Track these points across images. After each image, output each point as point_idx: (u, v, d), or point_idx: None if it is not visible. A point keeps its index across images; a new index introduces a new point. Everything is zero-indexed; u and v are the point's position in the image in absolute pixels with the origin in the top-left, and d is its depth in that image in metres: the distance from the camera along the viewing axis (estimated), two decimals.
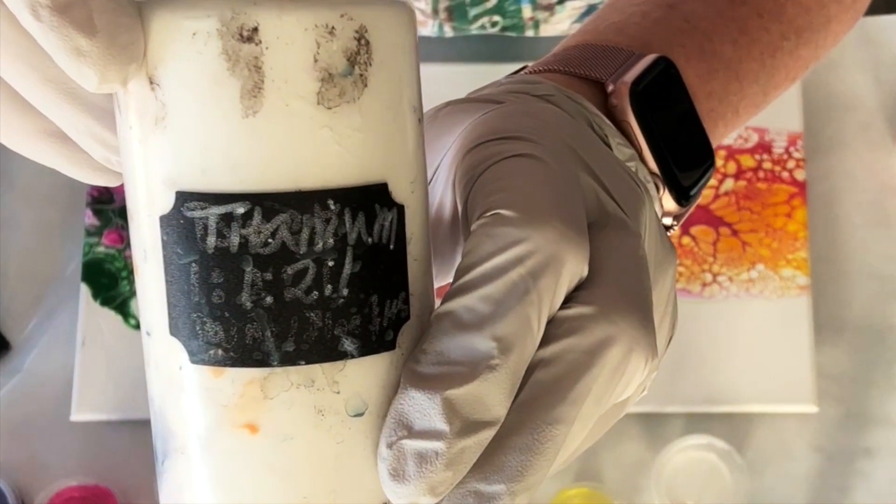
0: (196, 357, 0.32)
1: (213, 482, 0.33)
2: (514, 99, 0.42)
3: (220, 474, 0.33)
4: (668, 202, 0.45)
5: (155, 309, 0.33)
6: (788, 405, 0.82)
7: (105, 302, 0.85)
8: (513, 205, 0.34)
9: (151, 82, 0.32)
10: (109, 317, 0.85)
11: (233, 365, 0.32)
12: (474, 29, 0.82)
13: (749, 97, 0.52)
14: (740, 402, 0.82)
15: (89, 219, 0.86)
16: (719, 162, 0.86)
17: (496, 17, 0.81)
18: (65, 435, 0.84)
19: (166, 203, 0.32)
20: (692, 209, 0.48)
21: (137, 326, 0.85)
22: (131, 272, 0.86)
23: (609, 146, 0.43)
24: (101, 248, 0.86)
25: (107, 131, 0.35)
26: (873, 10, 0.91)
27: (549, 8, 0.80)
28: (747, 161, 0.86)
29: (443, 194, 0.39)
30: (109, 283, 0.85)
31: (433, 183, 0.39)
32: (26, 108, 0.36)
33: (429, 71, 0.90)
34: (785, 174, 0.86)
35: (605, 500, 0.80)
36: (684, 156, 0.46)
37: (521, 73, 0.49)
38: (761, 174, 0.86)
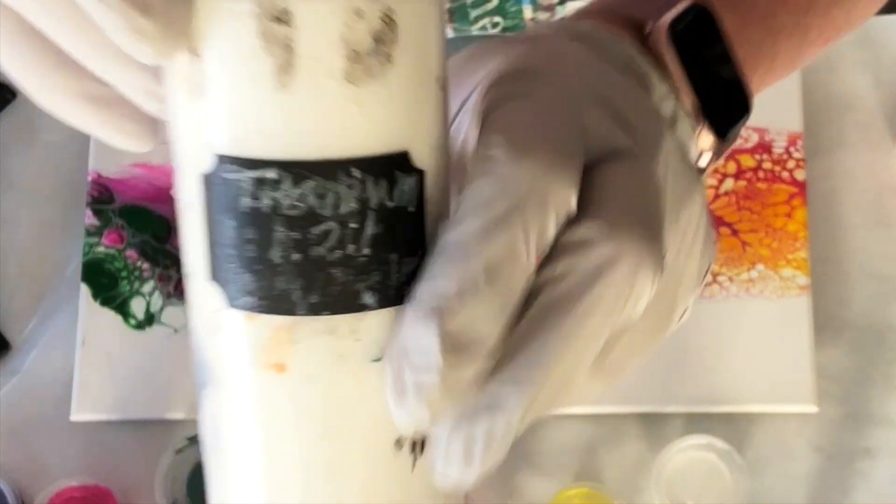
0: (232, 302, 0.35)
1: (243, 413, 0.36)
2: (546, 36, 0.44)
3: (249, 407, 0.36)
4: (706, 140, 0.47)
5: (197, 254, 0.36)
6: (788, 405, 0.82)
7: (105, 302, 0.85)
8: (502, 144, 0.36)
9: (194, 54, 0.34)
10: (109, 317, 0.85)
11: (264, 312, 0.35)
12: (475, 30, 0.82)
13: (783, 52, 0.53)
14: (740, 402, 0.82)
15: (89, 219, 0.87)
16: (719, 162, 0.86)
17: (497, 18, 0.81)
18: (65, 435, 0.84)
19: (207, 164, 0.34)
20: (730, 149, 0.49)
21: (137, 326, 0.85)
22: (131, 272, 0.86)
23: (649, 85, 0.44)
24: (101, 248, 0.86)
25: (160, 86, 0.37)
26: None
27: (550, 8, 0.80)
28: (747, 161, 0.86)
29: (467, 131, 0.41)
30: (109, 283, 0.86)
31: (459, 119, 0.42)
32: (70, 69, 0.38)
33: None
34: (785, 174, 0.86)
35: (605, 500, 0.80)
36: (721, 95, 0.47)
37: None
38: (761, 174, 0.86)
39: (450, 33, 0.83)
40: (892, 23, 0.90)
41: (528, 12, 0.81)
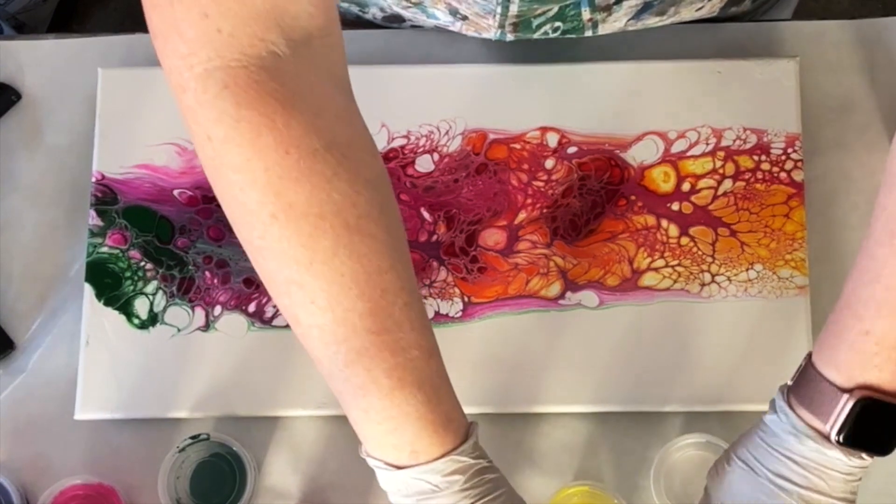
0: None
1: None
2: None
3: None
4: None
5: None
6: None
7: (108, 302, 0.86)
8: None
9: None
10: (113, 316, 0.85)
11: None
12: (537, 35, 0.83)
13: None
14: (739, 401, 0.83)
15: (93, 219, 0.87)
16: (718, 163, 0.87)
17: (557, 23, 0.82)
18: (69, 433, 0.85)
19: None
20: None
21: (140, 326, 0.85)
22: (134, 272, 0.86)
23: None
24: (104, 249, 0.87)
25: None
26: (871, 13, 0.91)
27: (608, 9, 0.81)
28: (746, 162, 0.87)
29: None
30: (113, 283, 0.86)
31: None
32: None
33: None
34: (783, 175, 0.86)
35: (604, 499, 0.81)
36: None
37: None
38: (760, 175, 0.86)
39: (510, 38, 0.84)
40: (889, 25, 0.90)
41: (586, 14, 0.81)
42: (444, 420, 0.66)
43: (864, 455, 0.67)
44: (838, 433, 0.65)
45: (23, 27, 1.59)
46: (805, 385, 0.68)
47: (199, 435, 0.82)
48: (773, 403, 0.70)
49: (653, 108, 0.88)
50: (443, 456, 0.66)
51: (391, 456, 0.66)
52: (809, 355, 0.69)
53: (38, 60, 0.92)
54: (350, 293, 0.63)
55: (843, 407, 0.65)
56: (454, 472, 0.66)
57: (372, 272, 0.63)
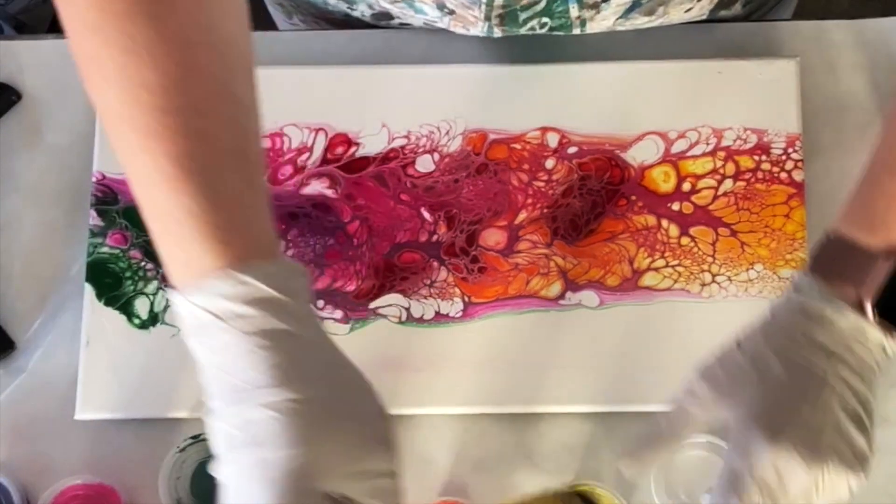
0: None
1: None
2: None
3: None
4: None
5: None
6: None
7: (109, 302, 0.86)
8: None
9: None
10: (113, 316, 0.85)
11: None
12: (524, 31, 0.83)
13: None
14: None
15: (94, 219, 0.87)
16: (718, 163, 0.87)
17: (545, 19, 0.82)
18: (69, 433, 0.85)
19: None
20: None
21: (141, 326, 0.85)
22: (135, 272, 0.86)
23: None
24: (105, 249, 0.87)
25: None
26: (871, 13, 0.91)
27: (595, 6, 0.81)
28: (746, 162, 0.87)
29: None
30: (113, 283, 0.86)
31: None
32: None
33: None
34: (783, 175, 0.86)
35: (605, 499, 0.81)
36: None
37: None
38: (760, 175, 0.87)
39: (498, 34, 0.84)
40: (889, 25, 0.90)
41: (574, 11, 0.81)
42: (238, 228, 0.54)
43: None
44: (875, 304, 0.58)
45: (23, 27, 1.59)
46: (828, 258, 0.60)
47: (199, 435, 0.82)
48: (785, 289, 0.61)
49: (653, 108, 0.88)
50: (223, 269, 0.53)
51: (180, 275, 0.54)
52: (827, 233, 0.62)
53: (38, 60, 0.92)
54: (140, 61, 0.53)
55: (879, 271, 0.58)
56: (242, 300, 0.52)
57: (172, 41, 0.53)
